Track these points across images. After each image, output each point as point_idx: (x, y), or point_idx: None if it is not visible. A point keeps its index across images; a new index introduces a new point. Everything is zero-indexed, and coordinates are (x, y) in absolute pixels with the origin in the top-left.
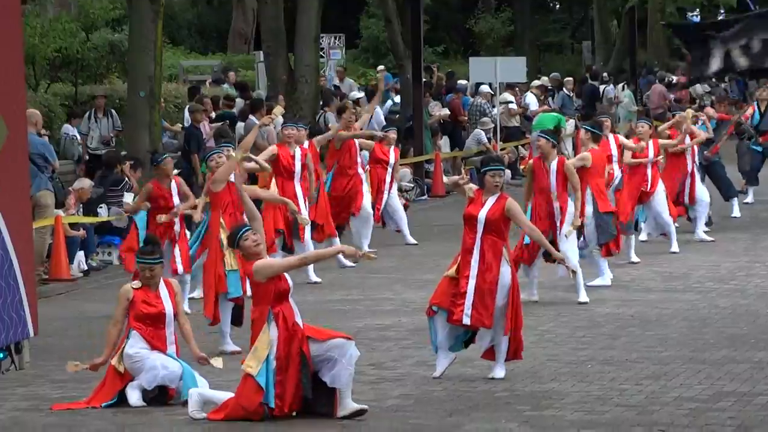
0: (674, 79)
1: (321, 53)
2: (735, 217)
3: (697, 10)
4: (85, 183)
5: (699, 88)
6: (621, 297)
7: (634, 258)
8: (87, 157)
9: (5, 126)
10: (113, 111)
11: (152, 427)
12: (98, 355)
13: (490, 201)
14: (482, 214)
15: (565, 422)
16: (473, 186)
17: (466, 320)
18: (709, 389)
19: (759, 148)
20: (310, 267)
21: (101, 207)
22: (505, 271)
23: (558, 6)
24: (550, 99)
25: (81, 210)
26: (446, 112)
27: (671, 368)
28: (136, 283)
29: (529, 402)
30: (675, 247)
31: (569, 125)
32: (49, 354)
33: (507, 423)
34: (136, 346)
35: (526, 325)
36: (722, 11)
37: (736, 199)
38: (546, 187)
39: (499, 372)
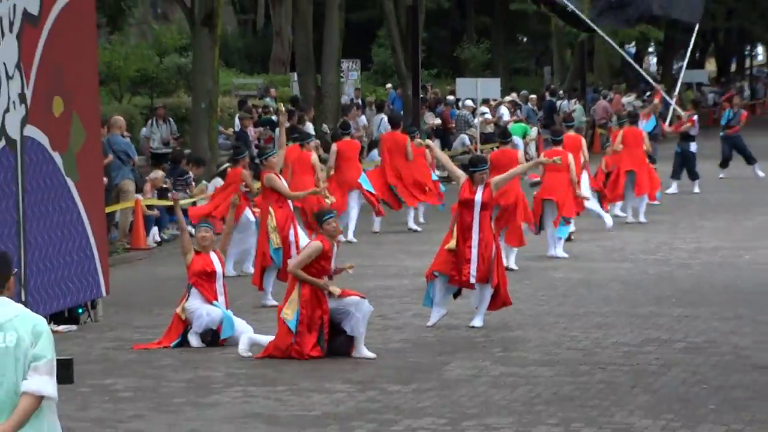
0: (611, 95)
1: (341, 74)
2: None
3: (633, 42)
4: (159, 174)
5: (626, 100)
6: (572, 265)
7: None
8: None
9: (83, 129)
10: (171, 119)
11: (209, 362)
12: (168, 306)
13: (480, 188)
14: (478, 198)
15: (528, 361)
16: None
17: (473, 280)
18: (639, 336)
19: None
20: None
21: (171, 193)
22: None
23: (525, 39)
24: (518, 111)
25: (155, 194)
26: (438, 121)
27: (610, 320)
28: (197, 249)
29: (500, 345)
30: (609, 221)
31: (533, 132)
32: (131, 306)
33: (483, 362)
34: (192, 301)
35: None
36: (652, 43)
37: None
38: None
39: (478, 322)
